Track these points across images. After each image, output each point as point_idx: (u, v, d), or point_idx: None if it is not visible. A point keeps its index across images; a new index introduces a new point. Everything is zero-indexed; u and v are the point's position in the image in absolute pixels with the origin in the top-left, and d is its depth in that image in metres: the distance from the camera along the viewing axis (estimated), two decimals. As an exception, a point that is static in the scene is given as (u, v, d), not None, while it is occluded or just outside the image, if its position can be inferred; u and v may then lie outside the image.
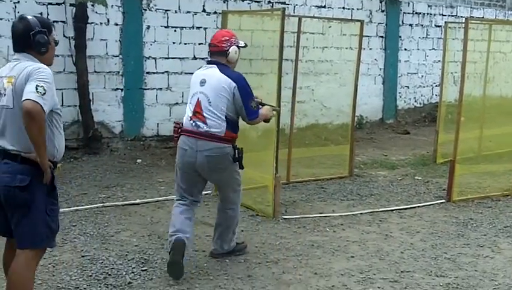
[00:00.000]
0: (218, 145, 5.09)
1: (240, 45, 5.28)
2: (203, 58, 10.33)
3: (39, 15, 4.82)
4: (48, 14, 9.24)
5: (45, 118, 3.77)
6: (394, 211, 7.24)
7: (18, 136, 3.85)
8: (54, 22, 9.19)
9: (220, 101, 5.06)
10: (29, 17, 4.03)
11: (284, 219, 6.81)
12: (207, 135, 5.08)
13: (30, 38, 3.93)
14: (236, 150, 5.16)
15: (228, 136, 5.12)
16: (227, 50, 5.16)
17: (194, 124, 5.14)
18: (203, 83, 5.14)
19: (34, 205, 3.88)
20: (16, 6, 9.11)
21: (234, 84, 5.08)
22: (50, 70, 3.90)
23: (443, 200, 7.67)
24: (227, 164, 5.18)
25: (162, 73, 10.36)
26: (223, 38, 5.19)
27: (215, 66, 5.18)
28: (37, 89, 3.72)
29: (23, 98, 3.70)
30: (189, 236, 5.23)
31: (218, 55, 5.20)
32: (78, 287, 4.89)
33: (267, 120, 5.54)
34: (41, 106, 3.70)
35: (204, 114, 5.08)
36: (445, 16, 14.57)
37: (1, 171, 3.89)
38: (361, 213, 7.12)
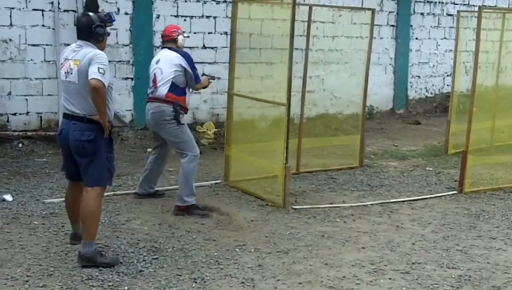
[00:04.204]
0: (158, 105, 6.47)
1: (184, 36, 6.83)
2: (212, 48, 10.33)
3: (99, 12, 6.30)
4: (58, 3, 9.23)
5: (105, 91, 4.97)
6: (405, 202, 7.21)
7: (83, 104, 5.03)
8: (64, 11, 9.28)
9: (169, 71, 6.44)
10: (90, 13, 5.26)
11: (294, 209, 6.80)
12: (154, 97, 6.51)
13: (91, 30, 5.09)
14: (176, 110, 6.40)
15: (169, 97, 6.42)
16: (176, 38, 6.70)
17: (150, 91, 6.62)
18: (158, 61, 6.59)
19: (98, 153, 5.07)
20: (27, -5, 9.11)
21: (182, 58, 6.53)
22: (106, 56, 5.05)
23: (455, 192, 7.63)
24: (166, 122, 6.44)
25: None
26: (173, 30, 6.77)
27: (167, 49, 6.68)
28: (99, 70, 4.89)
29: (90, 77, 4.87)
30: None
31: (170, 42, 6.71)
32: (89, 275, 4.90)
33: (205, 87, 7.02)
34: (103, 82, 4.89)
35: (158, 83, 6.49)
36: (457, 4, 14.44)
37: (71, 130, 5.06)
38: (371, 204, 7.10)
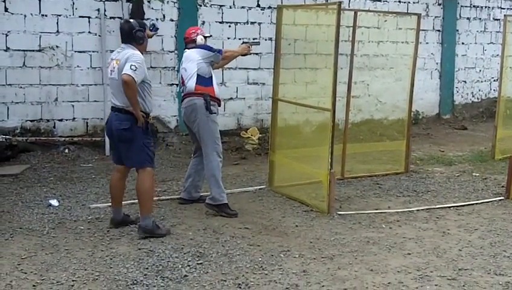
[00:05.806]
0: (190, 98, 6.70)
1: (205, 35, 7.05)
2: (257, 54, 10.33)
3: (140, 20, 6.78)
4: (105, 10, 9.39)
5: (137, 86, 5.69)
6: (451, 208, 7.10)
7: (122, 97, 5.79)
8: (110, 18, 9.43)
9: (192, 66, 6.69)
10: (131, 20, 6.13)
11: (339, 214, 6.75)
12: (185, 93, 6.76)
13: (133, 34, 5.89)
14: (206, 100, 6.60)
15: (198, 90, 6.64)
16: (195, 38, 6.92)
17: (181, 90, 6.92)
18: (182, 62, 6.90)
19: (135, 139, 5.82)
20: (73, 3, 9.28)
21: (198, 49, 6.78)
22: (142, 56, 5.85)
23: (502, 197, 7.49)
24: (197, 113, 6.63)
25: (217, 68, 10.39)
26: (192, 32, 7.03)
27: (187, 49, 6.92)
28: (131, 67, 5.64)
29: (122, 73, 5.64)
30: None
31: (190, 43, 6.94)
32: (134, 280, 4.94)
33: (244, 54, 7.26)
34: (132, 77, 5.61)
35: (185, 80, 6.75)
36: (503, 9, 14.22)
37: (114, 120, 5.89)
38: (417, 210, 7.00)
